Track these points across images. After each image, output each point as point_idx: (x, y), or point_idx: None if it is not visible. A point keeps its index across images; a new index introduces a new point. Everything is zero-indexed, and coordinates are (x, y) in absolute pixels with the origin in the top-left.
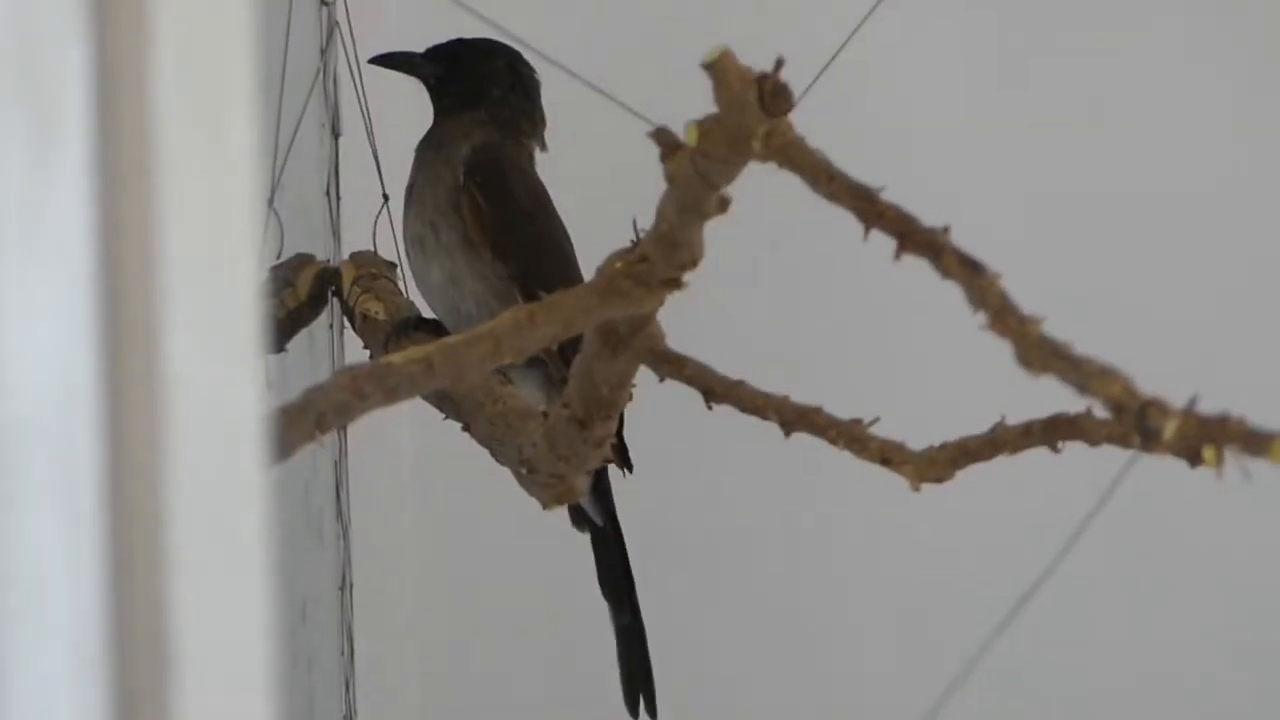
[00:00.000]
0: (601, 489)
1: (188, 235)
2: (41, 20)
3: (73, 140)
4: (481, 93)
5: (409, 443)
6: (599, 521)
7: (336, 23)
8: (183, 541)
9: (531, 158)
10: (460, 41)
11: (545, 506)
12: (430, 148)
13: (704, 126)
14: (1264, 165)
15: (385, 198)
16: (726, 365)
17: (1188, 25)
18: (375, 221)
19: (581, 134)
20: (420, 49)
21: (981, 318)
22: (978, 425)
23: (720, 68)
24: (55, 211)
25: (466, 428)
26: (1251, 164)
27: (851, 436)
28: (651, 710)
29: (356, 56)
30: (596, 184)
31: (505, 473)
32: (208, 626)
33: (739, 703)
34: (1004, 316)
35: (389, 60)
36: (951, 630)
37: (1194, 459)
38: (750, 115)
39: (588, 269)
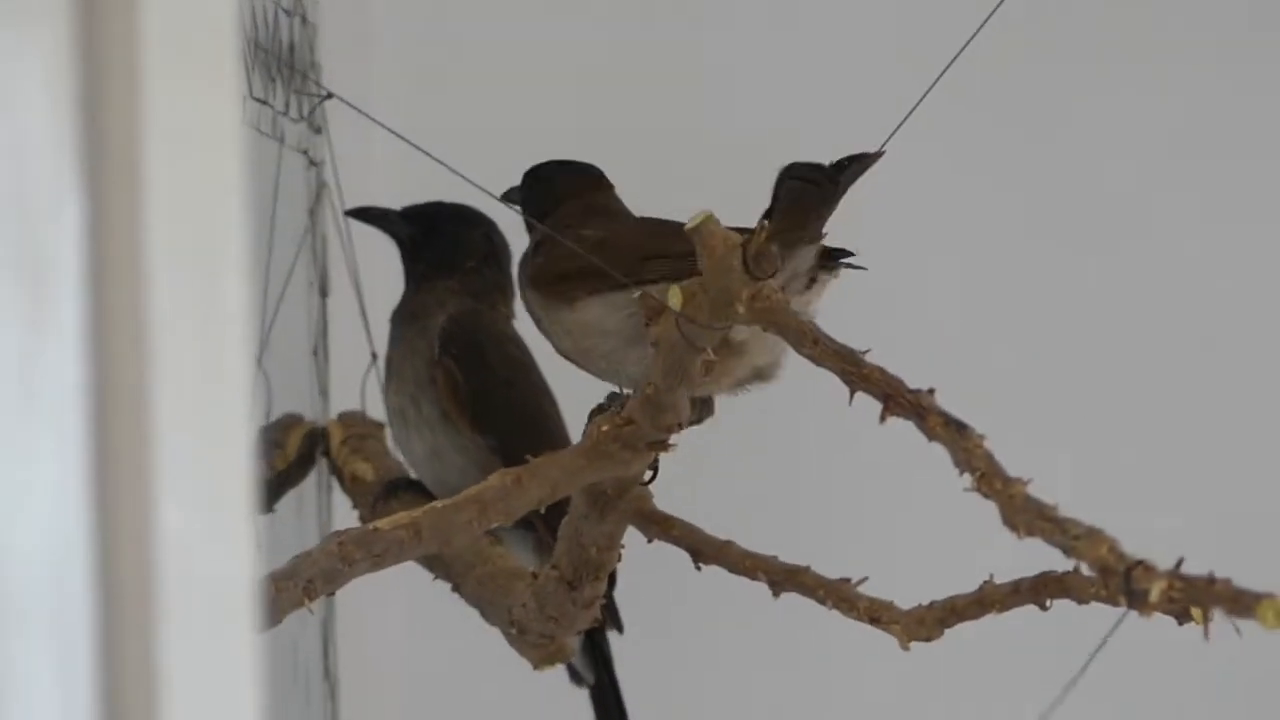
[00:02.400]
0: (596, 646)
1: (180, 395)
2: (36, 180)
3: (66, 300)
4: (455, 261)
5: (398, 602)
6: (591, 680)
7: (325, 183)
8: (174, 701)
9: (509, 320)
10: (437, 205)
11: (536, 667)
12: (405, 319)
13: (688, 290)
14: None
15: (373, 357)
16: (715, 522)
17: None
18: (364, 381)
19: None
20: (441, 203)
21: (967, 479)
22: (968, 581)
23: (704, 232)
24: (49, 370)
25: (456, 588)
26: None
27: (840, 596)
28: None
29: (344, 217)
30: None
31: (496, 632)
32: None
33: None
34: (989, 478)
35: (365, 214)
36: None
37: (1182, 617)
38: (734, 279)
39: (575, 421)
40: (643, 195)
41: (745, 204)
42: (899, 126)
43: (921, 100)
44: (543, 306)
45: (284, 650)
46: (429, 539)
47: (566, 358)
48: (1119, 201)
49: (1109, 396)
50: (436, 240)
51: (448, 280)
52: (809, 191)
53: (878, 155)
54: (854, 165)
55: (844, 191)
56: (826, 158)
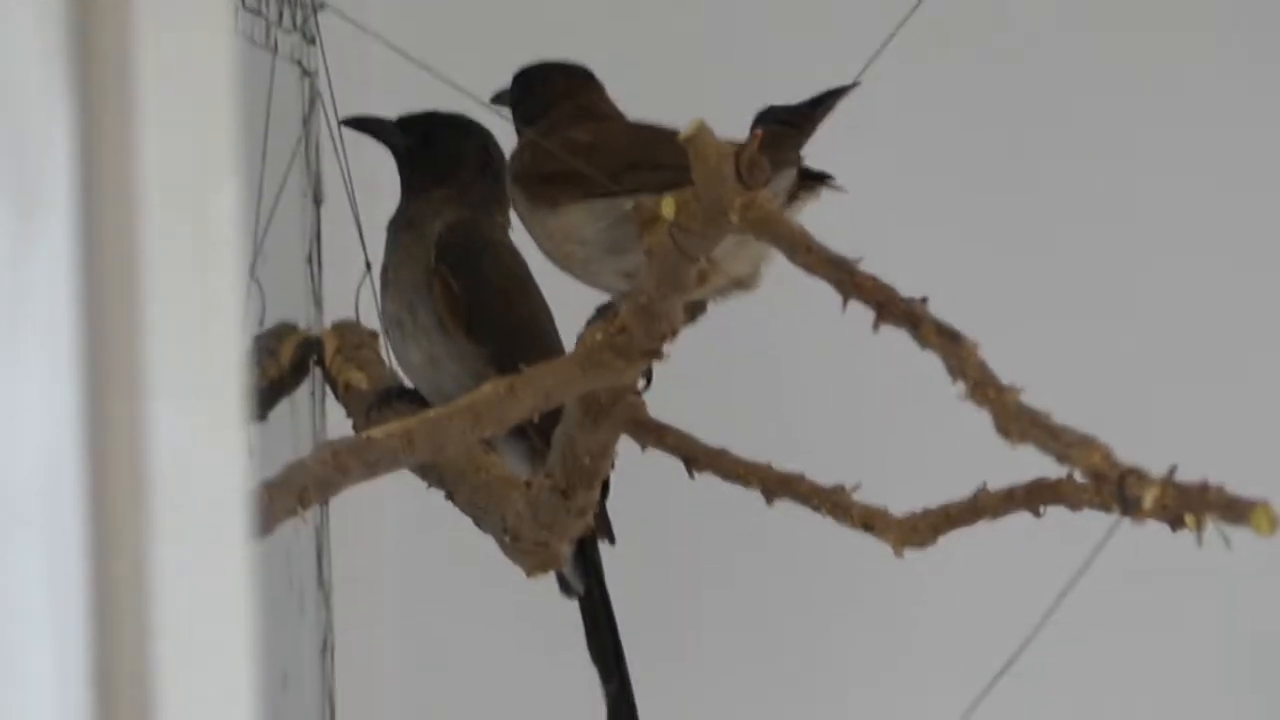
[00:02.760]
0: (587, 557)
1: (171, 305)
2: (25, 93)
3: (57, 209)
4: (451, 171)
5: (392, 510)
6: (581, 589)
7: (319, 93)
8: (166, 609)
9: (505, 229)
10: (433, 114)
11: (528, 574)
12: (402, 228)
13: (681, 199)
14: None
15: (368, 266)
16: (708, 433)
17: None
18: (358, 290)
19: None
20: (438, 112)
21: (960, 387)
22: (961, 489)
23: (697, 141)
24: (39, 280)
25: (450, 496)
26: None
27: (834, 503)
28: None
29: (339, 126)
30: None
31: (489, 539)
32: (191, 694)
33: None
34: (983, 386)
35: (361, 123)
36: (939, 691)
37: (1175, 523)
38: (727, 188)
39: (569, 330)
40: (634, 101)
41: (737, 111)
42: (874, 56)
43: (897, 30)
44: (526, 207)
45: (278, 559)
46: (422, 448)
47: (550, 259)
48: (1100, 123)
49: (1099, 309)
50: (433, 150)
51: (444, 189)
52: (786, 132)
53: (851, 87)
54: (828, 99)
55: (820, 122)
56: (814, 75)
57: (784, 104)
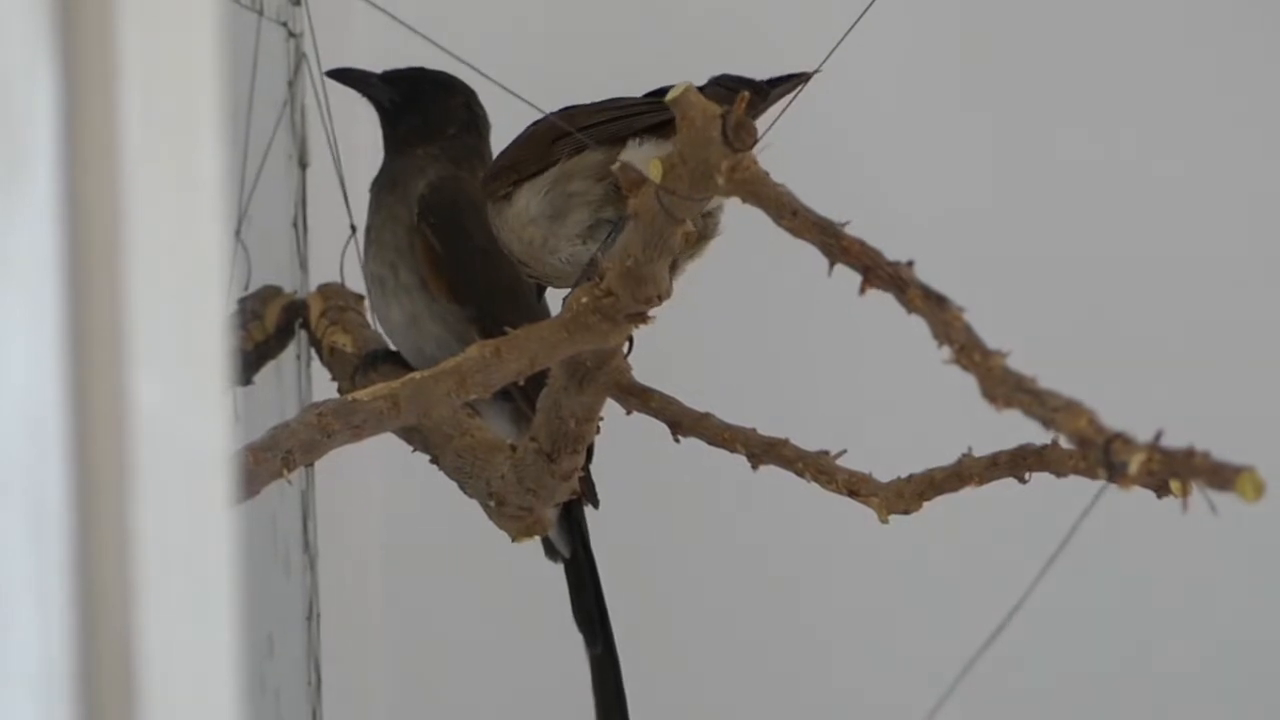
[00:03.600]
0: (573, 521)
1: (154, 267)
2: (9, 52)
3: (40, 171)
4: (435, 128)
5: (376, 473)
6: (566, 553)
7: (304, 54)
8: (150, 573)
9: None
10: (419, 71)
11: (514, 539)
12: (385, 186)
13: (668, 162)
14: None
15: (352, 229)
16: (693, 398)
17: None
18: (343, 253)
19: None
20: (423, 69)
21: (946, 351)
22: (946, 456)
23: (684, 103)
24: (22, 242)
25: (435, 460)
26: (1239, 178)
27: (819, 468)
28: None
29: (324, 88)
30: None
31: (474, 504)
32: (175, 658)
33: None
34: (969, 350)
35: (346, 76)
36: (925, 655)
37: (1161, 490)
38: (714, 150)
39: (554, 301)
40: (614, 72)
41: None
42: (836, 46)
43: (859, 20)
44: (494, 215)
45: (263, 523)
46: (408, 410)
47: (524, 267)
48: (1100, 96)
49: (1089, 274)
50: (417, 106)
51: (428, 146)
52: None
53: (809, 76)
54: (783, 84)
55: (771, 104)
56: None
57: (737, 75)
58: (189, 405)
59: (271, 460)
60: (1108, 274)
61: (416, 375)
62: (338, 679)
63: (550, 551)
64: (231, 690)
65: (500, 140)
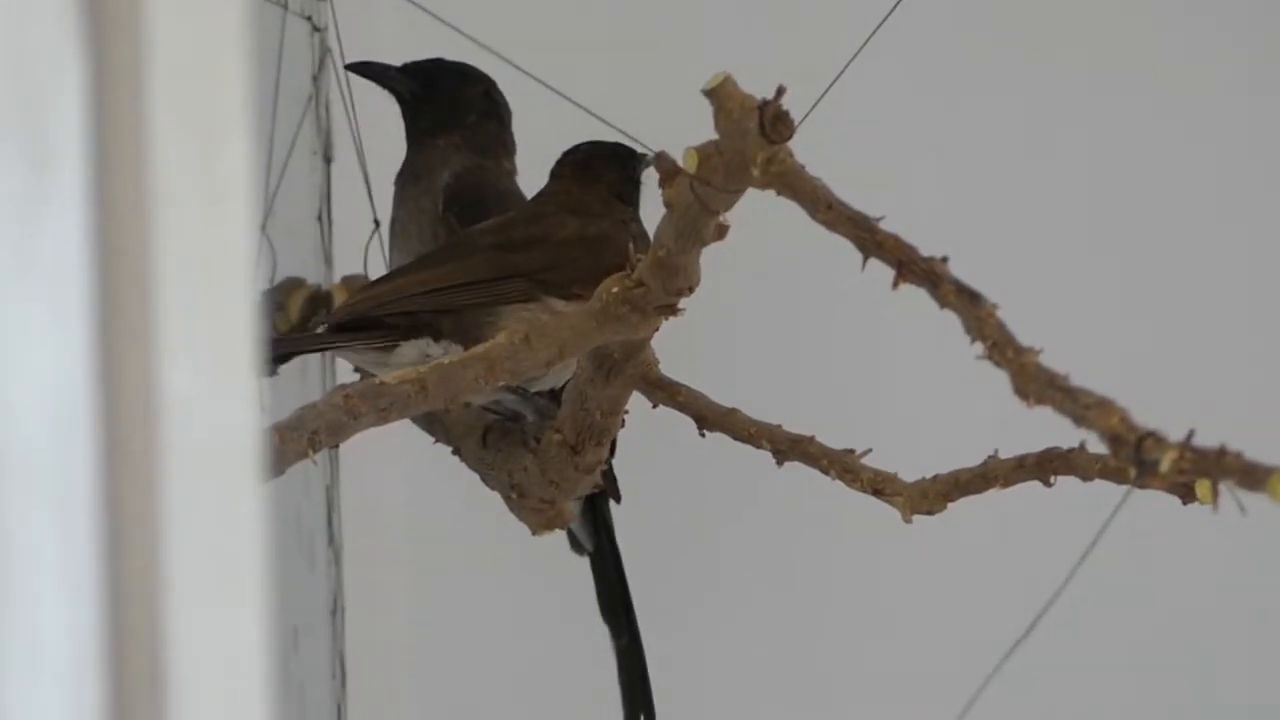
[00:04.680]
0: (597, 514)
1: (182, 259)
2: (37, 47)
3: (68, 165)
4: (456, 117)
5: (401, 467)
6: (590, 547)
7: (328, 49)
8: (178, 565)
9: (511, 176)
10: (438, 62)
11: (535, 532)
12: (409, 179)
13: (704, 153)
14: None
15: (376, 223)
16: (720, 393)
17: (1188, 46)
18: (367, 247)
19: None
20: (441, 60)
21: (979, 347)
22: (972, 457)
23: (721, 94)
24: (51, 236)
25: (457, 451)
26: (1256, 182)
27: (844, 466)
28: None
29: (348, 83)
30: None
31: (497, 497)
32: (202, 651)
33: None
34: (1001, 347)
35: (366, 69)
36: (950, 651)
37: (1187, 496)
38: (750, 142)
39: None
40: (637, 60)
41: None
42: (840, 73)
43: (859, 50)
44: None
45: (288, 516)
46: (435, 395)
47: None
48: (1127, 91)
49: (1120, 277)
50: (436, 96)
51: (449, 137)
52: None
53: (647, 161)
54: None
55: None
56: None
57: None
58: (217, 394)
59: (297, 440)
60: (1136, 272)
61: (445, 360)
62: (363, 673)
63: (575, 544)
64: (260, 677)
65: (524, 130)
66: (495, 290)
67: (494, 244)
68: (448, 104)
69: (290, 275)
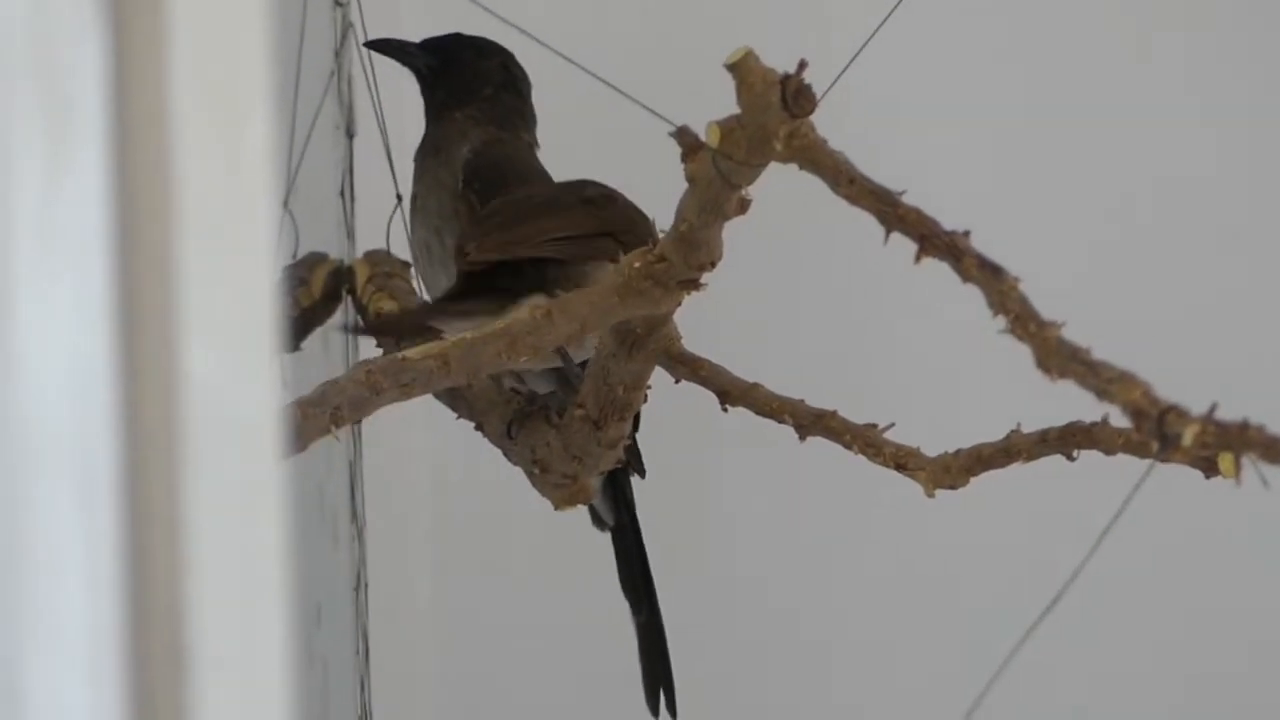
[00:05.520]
0: (618, 489)
1: (203, 235)
2: (57, 21)
3: (89, 141)
4: (473, 90)
5: (423, 443)
6: (611, 522)
7: (350, 24)
8: (199, 541)
9: (531, 149)
10: (455, 36)
11: (556, 507)
12: (429, 154)
13: (726, 127)
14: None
15: (399, 198)
16: (742, 368)
17: (1214, 25)
18: (389, 222)
19: (601, 134)
20: (460, 34)
21: (1001, 321)
22: (994, 432)
23: (743, 68)
24: (72, 211)
25: (480, 427)
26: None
27: (866, 441)
28: (672, 708)
29: (370, 58)
30: (615, 184)
31: (520, 472)
32: (224, 627)
33: (758, 701)
34: (1024, 320)
35: (384, 46)
36: (972, 630)
37: (1209, 470)
38: (772, 116)
39: None
40: (662, 38)
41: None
42: (840, 75)
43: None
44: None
45: (311, 493)
46: (457, 370)
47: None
48: (1152, 77)
49: (1143, 258)
50: (453, 70)
51: (467, 110)
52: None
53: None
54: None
55: None
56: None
57: None
58: (238, 374)
59: (320, 416)
60: (1159, 245)
61: (467, 335)
62: (385, 649)
63: (596, 520)
64: (281, 659)
65: (546, 106)
66: (594, 246)
67: (582, 199)
68: (465, 77)
69: (313, 250)
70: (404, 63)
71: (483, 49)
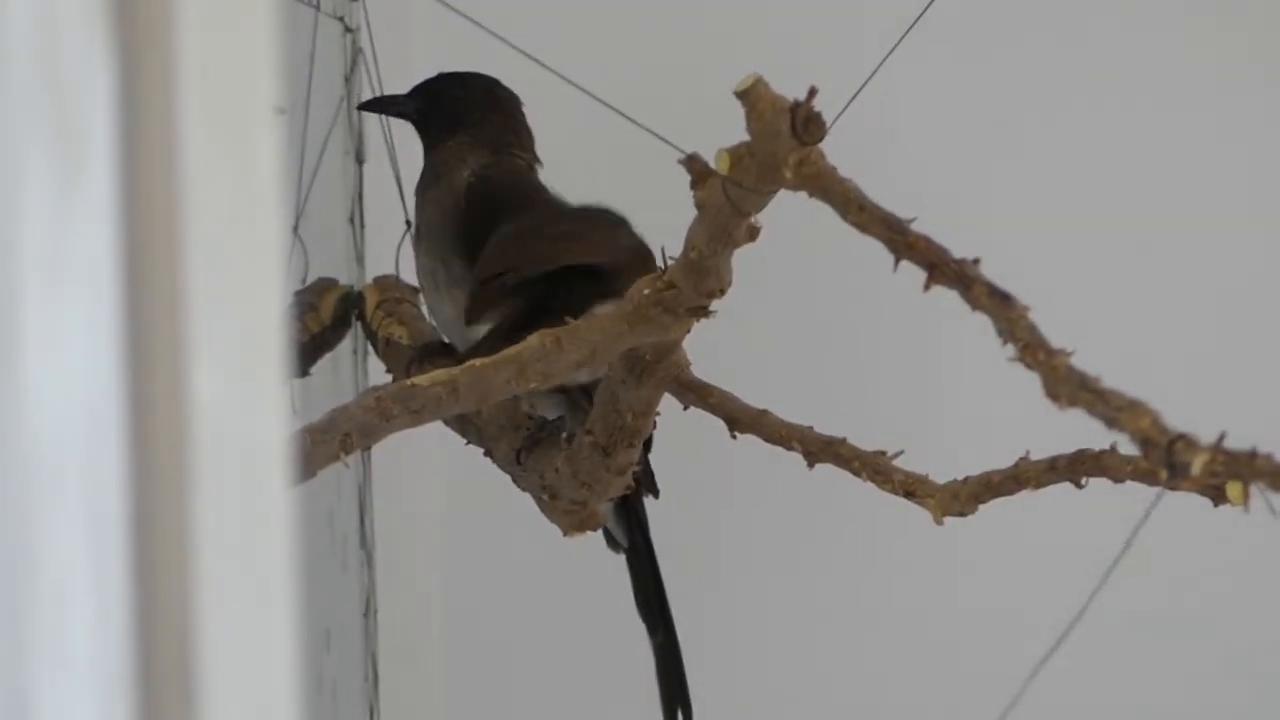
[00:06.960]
0: (631, 511)
1: (213, 260)
2: (68, 47)
3: (99, 166)
4: (462, 118)
5: (434, 468)
6: (625, 543)
7: (360, 50)
8: (207, 567)
9: (531, 167)
10: (439, 75)
11: (566, 533)
12: (430, 183)
13: (735, 154)
14: None
15: (408, 224)
16: (751, 395)
17: (1225, 40)
18: (398, 248)
19: (611, 161)
20: (443, 73)
21: (1010, 349)
22: (1003, 459)
23: (753, 95)
24: (82, 236)
25: (489, 453)
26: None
27: (875, 468)
28: None
29: (380, 83)
30: (624, 211)
31: (530, 497)
32: (232, 652)
33: None
34: (1033, 348)
35: (375, 105)
36: (987, 657)
37: (1218, 498)
38: (782, 143)
39: None
40: (670, 62)
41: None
42: (863, 86)
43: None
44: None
45: (321, 519)
46: (467, 397)
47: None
48: (1160, 97)
49: (1152, 282)
50: (442, 105)
51: (459, 136)
52: None
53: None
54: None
55: None
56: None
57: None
58: (247, 399)
59: (329, 442)
60: (1168, 274)
61: (476, 362)
62: (395, 675)
63: (611, 542)
64: (289, 686)
65: (554, 132)
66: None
67: (611, 222)
68: (454, 108)
69: (323, 276)
70: (395, 114)
71: (465, 79)
